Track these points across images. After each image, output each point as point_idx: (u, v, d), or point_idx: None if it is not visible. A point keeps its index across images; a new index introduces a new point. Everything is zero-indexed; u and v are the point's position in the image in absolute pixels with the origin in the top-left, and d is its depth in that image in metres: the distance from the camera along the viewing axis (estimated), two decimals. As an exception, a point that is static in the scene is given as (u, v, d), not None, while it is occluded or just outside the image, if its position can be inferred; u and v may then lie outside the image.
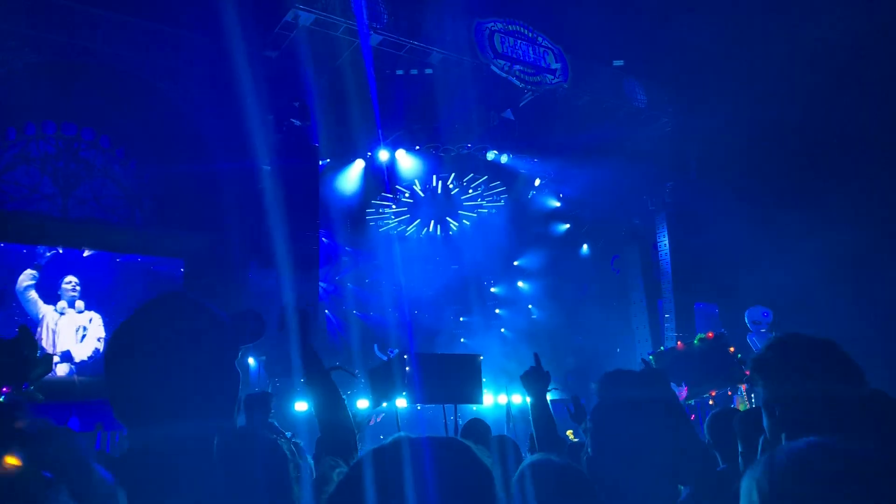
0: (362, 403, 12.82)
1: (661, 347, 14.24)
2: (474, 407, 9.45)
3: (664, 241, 18.41)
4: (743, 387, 10.96)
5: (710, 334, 11.46)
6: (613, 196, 18.00)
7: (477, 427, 5.23)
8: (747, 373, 11.34)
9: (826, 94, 14.71)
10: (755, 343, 12.60)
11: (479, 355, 8.37)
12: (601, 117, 16.40)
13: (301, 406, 13.06)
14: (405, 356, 7.82)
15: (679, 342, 13.07)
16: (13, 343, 3.82)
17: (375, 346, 16.20)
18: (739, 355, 10.82)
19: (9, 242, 12.18)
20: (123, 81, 12.56)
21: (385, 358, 15.04)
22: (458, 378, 7.74)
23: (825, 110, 15.13)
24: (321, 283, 15.43)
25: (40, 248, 12.38)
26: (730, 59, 15.24)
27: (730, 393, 11.51)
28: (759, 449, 2.73)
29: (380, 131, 14.37)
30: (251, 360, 14.01)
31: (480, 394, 8.05)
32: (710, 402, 11.49)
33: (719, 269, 18.11)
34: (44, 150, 12.84)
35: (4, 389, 3.67)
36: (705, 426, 3.84)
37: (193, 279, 13.79)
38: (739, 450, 2.99)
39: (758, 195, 17.34)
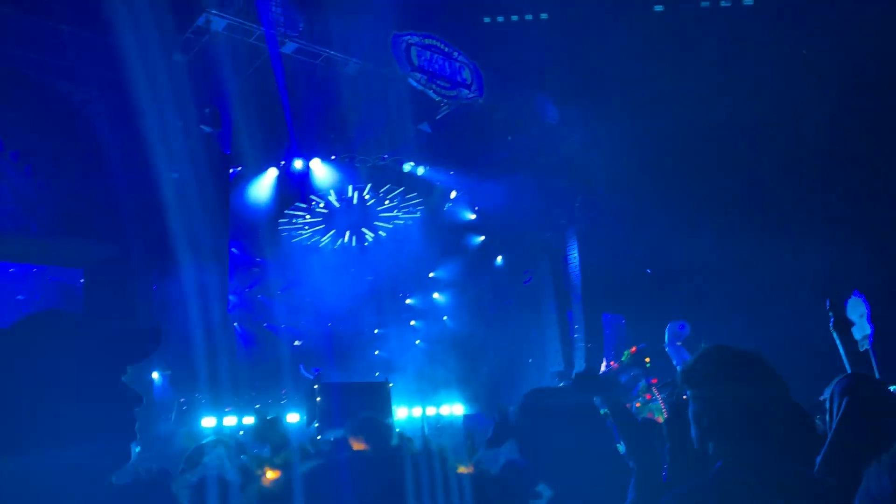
0: (292, 417, 12.58)
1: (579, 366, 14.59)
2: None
3: (574, 254, 18.94)
4: (647, 395, 11.40)
5: (633, 349, 11.88)
6: (527, 209, 18.38)
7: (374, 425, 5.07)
8: (654, 381, 11.84)
9: (729, 109, 15.52)
10: (673, 355, 13.17)
11: (388, 382, 8.33)
12: (515, 132, 16.75)
13: (209, 422, 12.64)
14: (315, 386, 7.72)
15: (612, 362, 13.52)
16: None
17: (301, 365, 15.84)
18: (648, 363, 11.25)
19: None
20: (17, 81, 11.86)
21: (310, 376, 14.76)
22: (368, 406, 7.65)
23: (729, 124, 15.96)
24: (230, 295, 15.01)
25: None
26: (637, 76, 15.87)
27: (637, 405, 11.95)
28: (668, 458, 2.84)
29: (293, 140, 14.17)
30: (155, 375, 13.45)
31: (391, 422, 7.99)
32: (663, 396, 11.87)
33: (627, 280, 18.78)
34: (-73, 152, 11.97)
35: None
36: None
37: (94, 289, 13.14)
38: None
39: (665, 208, 18.11)
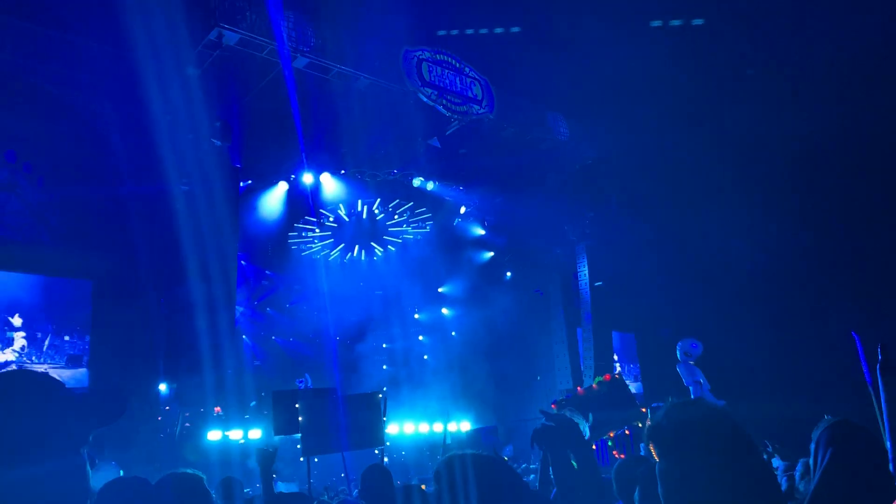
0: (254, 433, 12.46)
1: (563, 395, 14.52)
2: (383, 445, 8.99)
3: (584, 271, 18.83)
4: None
5: (608, 376, 11.83)
6: (536, 225, 18.34)
7: (376, 476, 4.80)
8: (644, 409, 11.78)
9: (742, 121, 15.44)
10: (684, 374, 13.06)
11: (380, 392, 8.10)
12: (525, 148, 16.72)
13: (214, 435, 12.61)
14: (297, 405, 7.42)
15: (578, 387, 13.44)
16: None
17: (298, 381, 15.79)
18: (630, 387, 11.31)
19: None
20: (30, 94, 11.98)
21: (301, 385, 14.68)
22: (360, 420, 7.34)
23: (742, 138, 15.89)
24: (239, 307, 15.02)
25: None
26: (648, 91, 15.85)
27: (627, 432, 11.84)
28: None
29: (304, 154, 14.20)
30: (162, 387, 13.45)
31: (383, 435, 7.71)
32: (609, 444, 11.79)
33: (638, 298, 18.65)
34: (-59, 163, 12.09)
35: None
36: (612, 474, 3.88)
37: (102, 300, 13.17)
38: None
39: (677, 226, 18.02)
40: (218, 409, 13.02)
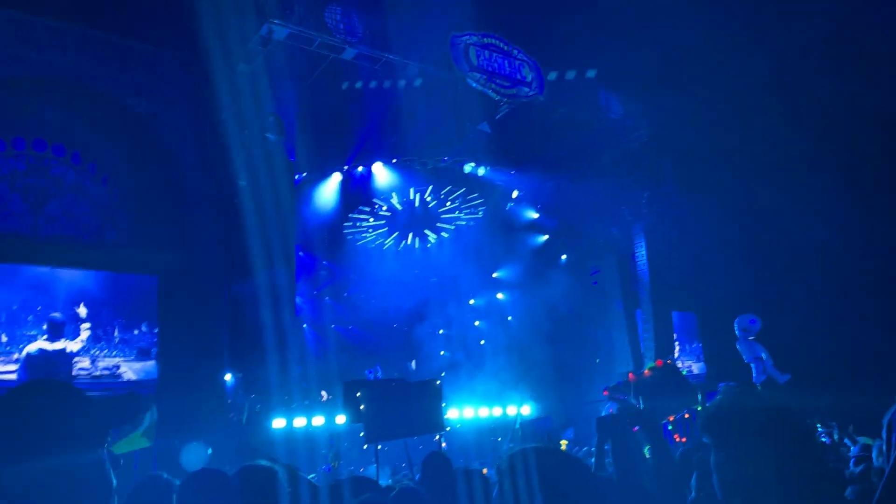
0: (340, 419, 12.71)
1: (626, 375, 14.36)
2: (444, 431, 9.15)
3: (642, 252, 18.51)
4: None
5: (660, 362, 11.69)
6: (591, 207, 18.08)
7: (437, 462, 4.94)
8: (699, 394, 11.58)
9: (801, 100, 14.90)
10: (744, 351, 12.77)
11: (437, 379, 8.20)
12: (577, 129, 16.47)
13: (279, 423, 12.93)
14: (357, 394, 7.61)
15: (630, 374, 13.25)
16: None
17: (368, 371, 16.04)
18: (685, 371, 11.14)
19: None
20: (93, 97, 12.41)
21: (371, 375, 14.92)
22: (420, 407, 7.48)
23: (801, 116, 15.32)
24: (298, 298, 15.31)
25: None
26: (705, 68, 15.39)
27: (686, 416, 11.66)
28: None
29: (356, 145, 14.34)
30: (228, 376, 13.86)
31: (442, 421, 7.83)
32: (669, 428, 11.63)
33: (698, 277, 18.25)
34: (13, 167, 12.64)
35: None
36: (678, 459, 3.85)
37: (168, 294, 13.62)
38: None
39: (736, 202, 17.52)
40: (324, 393, 13.34)
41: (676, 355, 18.94)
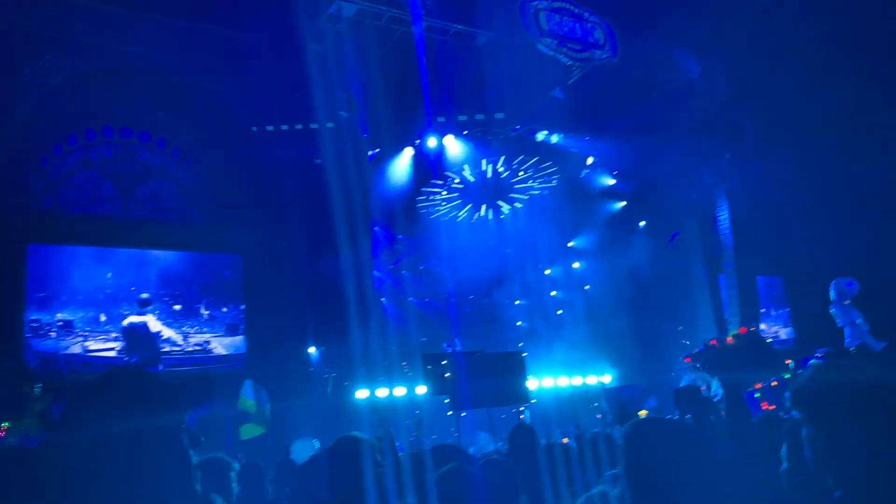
0: (420, 389, 12.93)
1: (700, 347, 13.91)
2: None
3: (724, 215, 17.87)
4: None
5: (743, 329, 11.27)
6: (669, 171, 17.52)
7: (523, 434, 5.03)
8: (788, 361, 11.12)
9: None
10: (838, 315, 12.21)
11: (523, 351, 8.23)
12: (654, 90, 15.96)
13: (362, 393, 13.27)
14: (443, 362, 7.77)
15: (713, 340, 12.81)
16: (13, 378, 4.23)
17: (446, 344, 16.21)
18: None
19: (75, 245, 12.66)
20: (173, 82, 12.86)
21: (449, 349, 15.08)
22: (504, 378, 7.59)
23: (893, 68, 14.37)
24: (375, 272, 15.57)
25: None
26: (785, 16, 14.57)
27: (774, 383, 11.25)
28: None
29: (428, 118, 14.33)
30: (312, 349, 14.30)
31: (527, 392, 7.88)
32: (756, 395, 11.28)
33: (783, 241, 17.52)
34: (103, 154, 13.28)
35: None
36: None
37: (253, 272, 14.11)
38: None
39: (821, 163, 16.66)
40: (405, 363, 13.72)
41: (761, 321, 18.32)
